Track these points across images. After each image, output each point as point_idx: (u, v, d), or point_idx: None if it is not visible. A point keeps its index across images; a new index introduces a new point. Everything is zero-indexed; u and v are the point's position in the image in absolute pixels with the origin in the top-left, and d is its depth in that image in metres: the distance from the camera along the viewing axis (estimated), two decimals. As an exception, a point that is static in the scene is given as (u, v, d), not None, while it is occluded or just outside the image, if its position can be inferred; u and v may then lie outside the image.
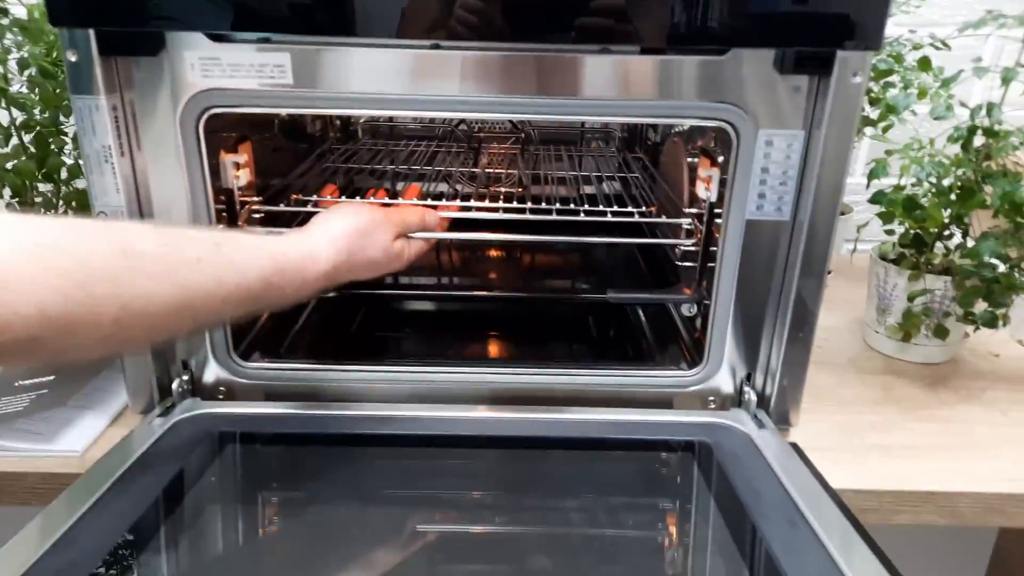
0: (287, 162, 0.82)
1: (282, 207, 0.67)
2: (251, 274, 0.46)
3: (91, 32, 0.50)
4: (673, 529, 0.48)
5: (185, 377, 0.60)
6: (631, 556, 0.44)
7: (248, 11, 0.50)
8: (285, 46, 0.52)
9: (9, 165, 0.67)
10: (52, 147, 0.71)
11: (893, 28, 0.80)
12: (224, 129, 0.60)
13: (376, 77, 0.53)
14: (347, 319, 0.78)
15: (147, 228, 0.42)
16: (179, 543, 0.46)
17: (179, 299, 0.41)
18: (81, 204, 0.72)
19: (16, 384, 0.64)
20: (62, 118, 0.71)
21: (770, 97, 0.53)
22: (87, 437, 0.58)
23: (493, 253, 0.93)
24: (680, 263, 0.69)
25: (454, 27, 0.50)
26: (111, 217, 0.54)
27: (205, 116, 0.53)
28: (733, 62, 0.52)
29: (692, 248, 0.67)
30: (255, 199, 0.65)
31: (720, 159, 0.60)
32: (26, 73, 0.69)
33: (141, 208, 0.55)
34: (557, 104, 0.54)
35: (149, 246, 0.41)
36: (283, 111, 0.67)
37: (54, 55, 0.70)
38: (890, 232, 0.78)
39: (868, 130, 0.83)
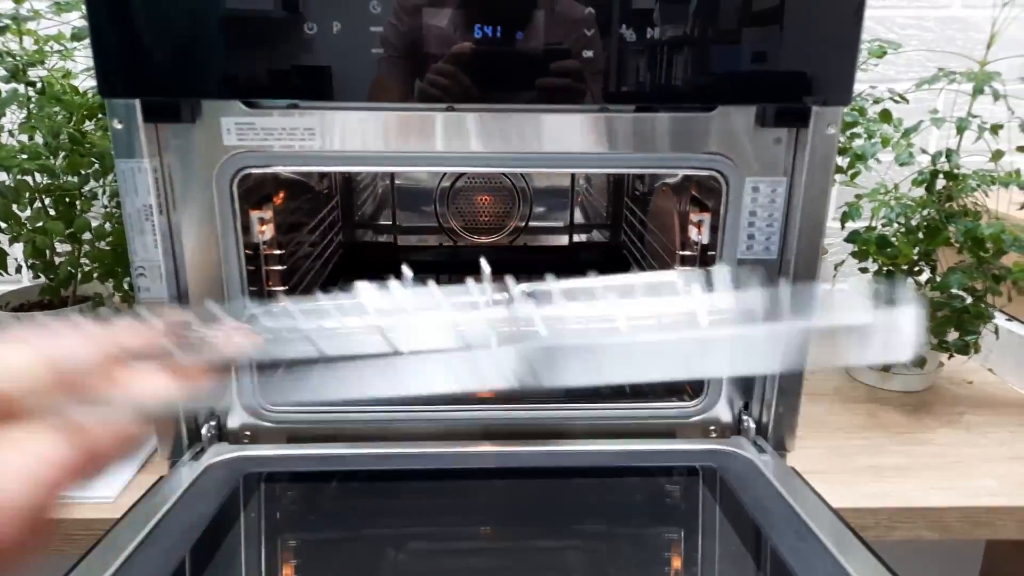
0: (299, 219, 0.86)
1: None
2: None
3: (137, 102, 0.54)
4: (689, 541, 0.51)
5: (213, 423, 0.63)
6: (652, 568, 0.47)
7: (277, 81, 0.55)
8: (314, 111, 0.56)
9: (38, 225, 0.70)
10: (77, 209, 0.74)
11: (855, 84, 0.88)
12: (251, 188, 0.64)
13: (389, 137, 0.57)
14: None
15: None
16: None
17: None
18: (105, 263, 0.75)
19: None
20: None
21: (754, 148, 0.59)
22: (119, 483, 0.61)
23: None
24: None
25: (464, 91, 0.55)
26: (149, 273, 0.58)
27: (239, 176, 0.57)
28: (720, 117, 0.58)
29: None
30: (277, 252, 0.69)
31: (709, 204, 0.66)
32: (40, 139, 0.72)
33: (176, 262, 0.59)
34: (558, 157, 0.59)
35: None
36: (309, 169, 0.71)
37: (79, 123, 0.74)
38: (864, 270, 0.83)
39: (838, 176, 0.90)
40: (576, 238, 1.08)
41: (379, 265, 1.03)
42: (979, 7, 1.08)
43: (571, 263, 1.08)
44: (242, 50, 0.53)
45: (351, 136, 0.57)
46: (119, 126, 0.54)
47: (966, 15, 1.09)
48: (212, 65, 0.53)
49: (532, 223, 1.06)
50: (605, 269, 0.93)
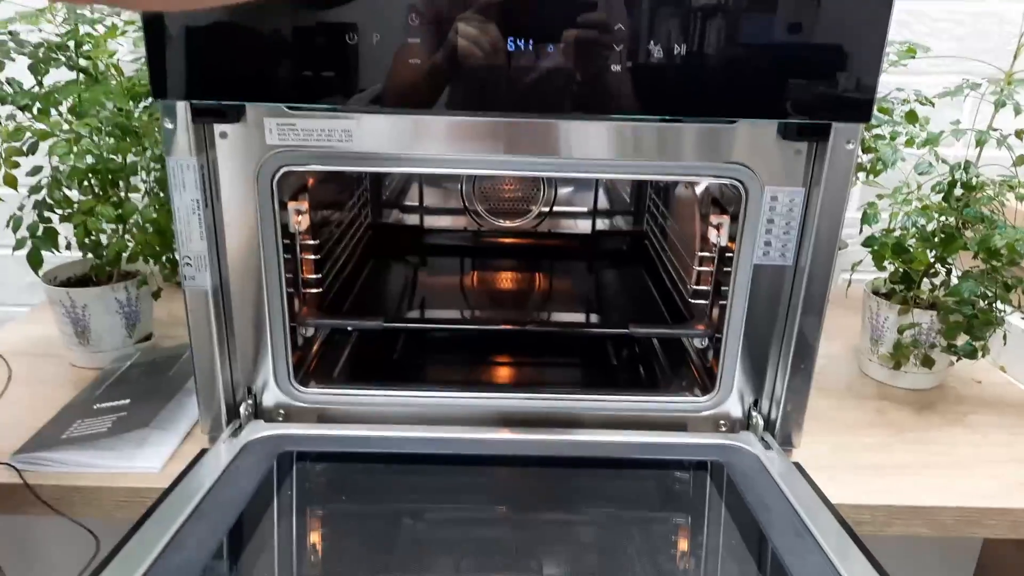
0: (332, 204, 0.89)
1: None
2: None
3: (186, 104, 0.57)
4: (692, 535, 0.55)
5: (250, 401, 0.67)
6: (654, 559, 0.51)
7: (319, 87, 0.57)
8: (352, 114, 0.59)
9: (89, 208, 0.74)
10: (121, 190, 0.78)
11: (881, 87, 0.88)
12: (290, 182, 0.67)
13: (422, 140, 0.60)
14: (389, 348, 0.85)
15: None
16: (265, 547, 0.53)
17: None
18: (149, 245, 0.79)
19: (95, 407, 0.71)
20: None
21: (774, 159, 0.61)
22: (164, 454, 0.65)
23: (513, 283, 1.00)
24: (693, 300, 0.77)
25: (494, 101, 0.57)
26: (195, 263, 0.62)
27: (279, 174, 0.61)
28: (742, 129, 0.60)
29: (704, 288, 0.75)
30: (311, 241, 0.73)
31: (729, 208, 0.68)
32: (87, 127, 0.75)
33: (219, 252, 0.63)
34: (583, 164, 0.62)
35: None
36: (345, 169, 0.74)
37: (125, 106, 0.78)
38: (882, 268, 0.85)
39: (859, 175, 0.91)
40: (599, 224, 1.10)
41: (406, 247, 1.07)
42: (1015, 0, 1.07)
43: (594, 251, 1.10)
44: (288, 58, 0.56)
45: (385, 139, 0.60)
46: (170, 126, 0.58)
47: (1001, 9, 1.08)
48: (259, 71, 0.56)
49: (557, 207, 1.08)
50: (628, 259, 0.97)
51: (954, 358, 0.79)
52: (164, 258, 0.81)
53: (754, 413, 0.68)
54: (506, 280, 1.01)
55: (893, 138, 0.81)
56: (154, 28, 0.54)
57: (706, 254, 0.74)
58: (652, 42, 0.55)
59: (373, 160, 0.61)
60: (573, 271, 1.06)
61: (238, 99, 0.57)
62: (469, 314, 0.92)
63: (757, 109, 0.58)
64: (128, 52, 0.86)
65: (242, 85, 0.57)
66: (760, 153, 0.60)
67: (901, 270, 0.82)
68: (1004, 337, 0.76)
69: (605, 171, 0.64)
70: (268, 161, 0.60)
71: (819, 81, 0.56)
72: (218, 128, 0.59)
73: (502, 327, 0.80)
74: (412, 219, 1.11)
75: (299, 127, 0.59)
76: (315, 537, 0.57)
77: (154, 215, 0.78)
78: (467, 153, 0.61)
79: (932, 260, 0.78)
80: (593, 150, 0.61)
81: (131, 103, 0.79)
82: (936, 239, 0.75)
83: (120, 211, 0.75)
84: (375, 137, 0.60)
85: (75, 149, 0.71)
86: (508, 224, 1.08)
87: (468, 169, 0.66)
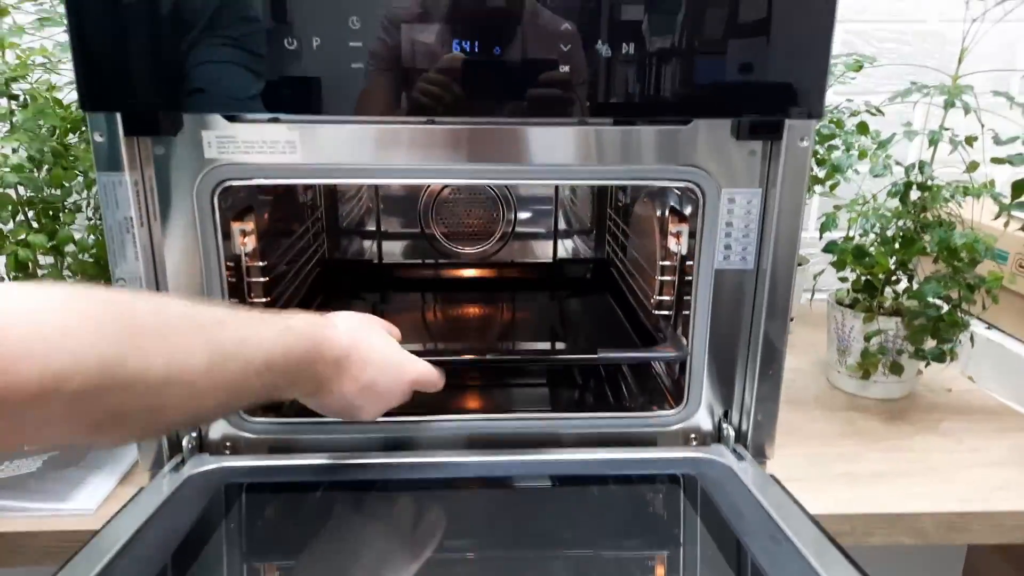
0: (283, 232, 0.86)
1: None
2: (267, 334, 0.47)
3: (118, 115, 0.54)
4: (668, 547, 0.52)
5: (194, 434, 0.63)
6: (629, 571, 0.48)
7: (258, 95, 0.55)
8: (295, 124, 0.57)
9: (20, 238, 0.70)
10: (60, 222, 0.74)
11: (833, 97, 0.89)
12: (233, 200, 0.64)
13: (371, 149, 0.58)
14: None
15: (167, 296, 0.45)
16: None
17: (211, 358, 0.42)
18: (88, 275, 0.75)
19: (26, 447, 0.66)
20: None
21: (730, 160, 0.60)
22: (99, 495, 0.61)
23: (475, 311, 0.97)
24: (656, 311, 0.75)
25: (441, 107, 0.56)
26: (130, 285, 0.58)
27: (220, 189, 0.58)
28: (696, 131, 0.59)
29: (667, 298, 0.73)
30: (259, 264, 0.70)
31: (688, 213, 0.67)
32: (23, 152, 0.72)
33: (156, 274, 0.59)
34: (539, 170, 0.60)
35: (177, 308, 0.44)
36: (291, 182, 0.72)
37: (62, 136, 0.75)
38: (843, 279, 0.85)
39: (817, 188, 0.91)
40: (561, 252, 1.09)
41: (363, 283, 1.04)
42: (955, 21, 1.10)
43: (557, 280, 1.07)
44: (223, 64, 0.54)
45: (332, 149, 0.58)
46: (100, 139, 0.55)
47: (943, 29, 1.11)
48: (192, 79, 0.54)
49: (518, 229, 1.06)
50: (591, 285, 0.94)
51: (923, 364, 0.78)
52: (104, 290, 0.77)
53: (725, 425, 0.66)
54: (470, 312, 0.98)
55: (848, 148, 0.81)
56: (81, 34, 0.52)
57: (667, 263, 0.72)
58: (600, 42, 0.55)
59: (320, 172, 0.59)
60: (537, 300, 1.03)
61: (171, 109, 0.55)
62: (432, 346, 0.89)
63: (710, 108, 0.58)
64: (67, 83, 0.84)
65: (176, 94, 0.54)
66: (716, 155, 0.60)
67: (863, 278, 0.82)
68: (971, 338, 0.75)
69: (567, 177, 0.63)
70: (208, 176, 0.57)
71: (769, 78, 0.56)
72: (153, 141, 0.56)
73: (466, 357, 0.76)
74: (370, 252, 1.08)
75: (239, 139, 0.57)
76: (264, 572, 0.53)
77: (91, 244, 0.74)
78: (419, 162, 0.59)
79: (893, 266, 0.77)
80: (555, 155, 0.59)
81: (69, 133, 0.76)
82: (896, 243, 0.75)
83: (54, 242, 0.71)
84: (321, 148, 0.58)
85: (7, 171, 0.67)
86: (469, 250, 1.05)
87: (421, 179, 0.64)
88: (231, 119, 0.56)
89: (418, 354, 0.61)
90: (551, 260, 1.08)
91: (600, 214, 1.07)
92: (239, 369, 0.44)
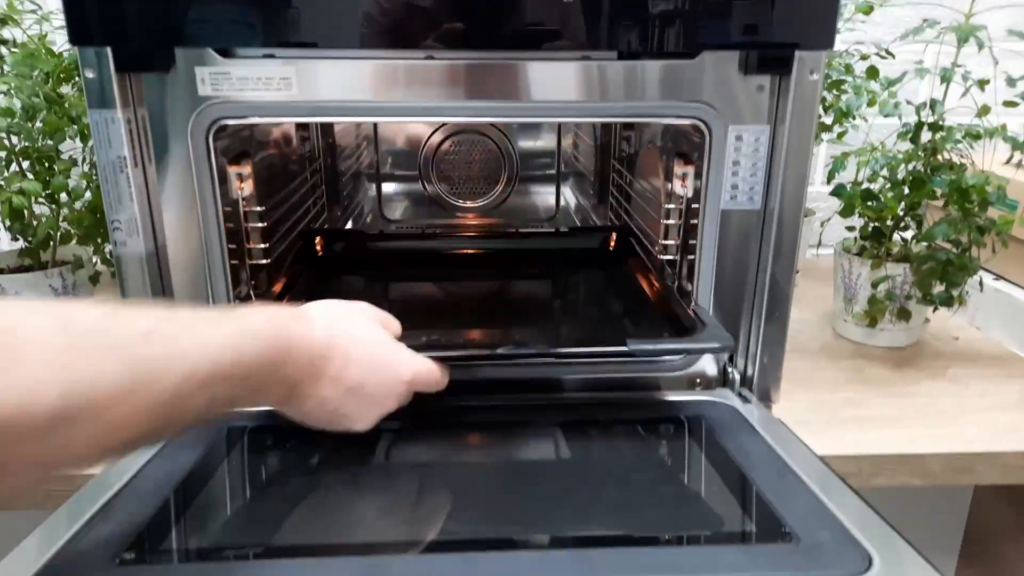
0: (281, 179, 0.85)
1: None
2: (213, 339, 0.39)
3: (108, 50, 0.53)
4: (673, 484, 0.52)
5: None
6: (642, 505, 0.48)
7: (253, 28, 0.54)
8: (290, 60, 0.55)
9: (15, 187, 0.69)
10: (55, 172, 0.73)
11: (841, 44, 0.87)
12: (228, 143, 0.63)
13: (368, 86, 0.56)
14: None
15: (79, 305, 0.37)
16: (208, 515, 0.48)
17: (130, 380, 0.35)
18: (81, 223, 0.74)
19: None
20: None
21: (737, 96, 0.58)
22: (101, 441, 0.60)
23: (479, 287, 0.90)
24: (662, 256, 0.74)
25: (440, 39, 0.54)
26: (126, 227, 0.57)
27: (215, 127, 0.57)
28: (703, 65, 0.57)
29: (672, 243, 0.72)
30: (257, 209, 0.69)
31: (694, 155, 0.65)
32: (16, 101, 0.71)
33: (153, 218, 0.58)
34: (542, 107, 0.59)
35: (87, 322, 0.35)
36: (287, 120, 0.70)
37: (55, 84, 0.73)
38: (851, 228, 0.83)
39: (825, 135, 0.89)
40: (563, 203, 1.07)
41: (363, 254, 0.99)
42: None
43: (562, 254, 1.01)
44: (215, -4, 0.52)
45: (328, 86, 0.56)
46: (91, 75, 0.53)
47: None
48: (185, 11, 0.52)
49: (520, 181, 1.04)
50: (598, 257, 0.89)
51: (930, 310, 0.77)
52: (100, 240, 0.76)
53: (730, 369, 0.65)
54: (472, 291, 0.90)
55: (857, 94, 0.80)
56: (68, -37, 0.50)
57: (672, 206, 0.71)
58: (604, -31, 0.53)
59: (316, 110, 0.58)
60: (543, 264, 0.94)
61: (163, 43, 0.53)
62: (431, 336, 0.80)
63: (716, 40, 0.56)
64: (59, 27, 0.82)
65: (168, 28, 0.53)
66: (723, 90, 0.58)
67: (871, 225, 0.80)
68: (980, 283, 0.74)
69: (570, 115, 0.61)
70: (202, 114, 0.56)
71: (778, 7, 0.54)
72: (145, 78, 0.55)
73: (472, 352, 0.70)
74: (371, 206, 1.06)
75: (233, 75, 0.55)
76: (267, 504, 0.52)
77: (87, 194, 0.73)
78: (417, 99, 0.57)
79: (902, 210, 0.76)
80: (557, 92, 0.58)
81: (63, 83, 0.75)
82: (905, 186, 0.73)
83: (50, 190, 0.70)
84: (317, 84, 0.56)
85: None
86: (471, 204, 1.04)
87: (420, 117, 0.62)
88: (224, 54, 0.55)
89: (417, 349, 0.54)
90: (554, 232, 0.98)
91: (603, 167, 1.05)
92: (172, 387, 0.37)
